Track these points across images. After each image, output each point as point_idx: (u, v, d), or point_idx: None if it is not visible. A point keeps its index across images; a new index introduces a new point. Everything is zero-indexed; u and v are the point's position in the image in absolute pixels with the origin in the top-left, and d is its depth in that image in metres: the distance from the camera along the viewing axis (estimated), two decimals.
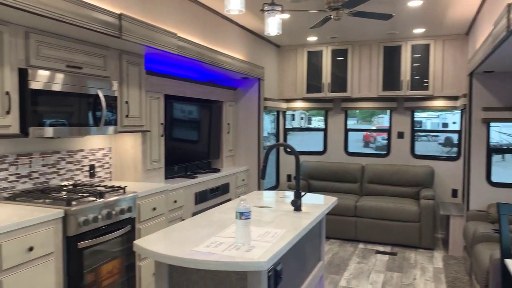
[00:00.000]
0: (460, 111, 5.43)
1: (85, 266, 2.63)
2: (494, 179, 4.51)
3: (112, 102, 3.12)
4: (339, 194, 5.76)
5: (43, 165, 3.07)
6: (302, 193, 2.55)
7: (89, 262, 2.66)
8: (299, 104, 6.13)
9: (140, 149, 3.63)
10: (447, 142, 17.47)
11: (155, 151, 3.81)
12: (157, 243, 1.85)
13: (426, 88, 5.34)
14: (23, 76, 2.47)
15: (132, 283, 3.08)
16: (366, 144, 19.72)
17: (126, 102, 3.33)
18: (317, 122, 24.16)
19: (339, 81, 5.77)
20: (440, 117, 21.28)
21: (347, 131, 6.15)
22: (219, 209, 2.55)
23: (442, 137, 19.25)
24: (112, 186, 3.11)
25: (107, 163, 3.70)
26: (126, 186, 3.11)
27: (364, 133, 20.14)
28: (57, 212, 2.44)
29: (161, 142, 3.90)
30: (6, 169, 2.78)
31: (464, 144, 5.25)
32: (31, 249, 2.26)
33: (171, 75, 4.01)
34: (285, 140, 6.37)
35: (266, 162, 2.56)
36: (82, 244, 2.59)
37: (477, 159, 4.48)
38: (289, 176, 6.32)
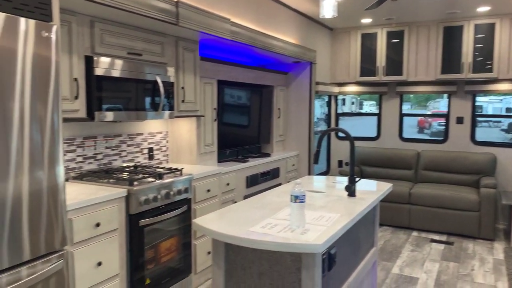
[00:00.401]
0: None
1: (145, 243, 2.78)
2: None
3: (169, 87, 3.23)
4: (392, 181, 5.62)
5: (107, 147, 3.26)
6: (357, 179, 2.53)
7: (149, 239, 2.82)
8: (351, 88, 6.00)
9: (195, 133, 3.75)
10: (511, 128, 16.38)
11: (208, 135, 3.92)
12: (215, 222, 1.93)
13: (490, 70, 5.02)
14: (89, 63, 2.63)
15: (188, 260, 3.23)
16: (421, 130, 18.95)
17: (182, 87, 3.44)
18: (369, 107, 23.43)
19: (395, 64, 5.57)
20: (503, 102, 19.89)
21: (402, 116, 5.95)
22: (272, 193, 2.59)
23: (505, 122, 18.04)
24: (170, 168, 3.25)
25: (164, 146, 3.86)
26: (182, 168, 3.23)
27: (419, 118, 19.38)
28: (121, 191, 2.60)
29: (214, 127, 3.99)
30: (73, 151, 2.99)
31: None
32: (98, 225, 2.43)
33: (224, 61, 4.07)
34: (336, 125, 6.29)
35: (320, 146, 2.55)
36: (143, 222, 2.74)
37: None
38: (340, 162, 6.25)
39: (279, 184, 4.89)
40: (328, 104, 6.21)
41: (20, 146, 1.80)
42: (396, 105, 5.93)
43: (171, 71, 3.25)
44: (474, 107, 5.48)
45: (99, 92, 2.66)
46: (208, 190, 3.47)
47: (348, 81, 5.93)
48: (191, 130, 3.77)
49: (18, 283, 1.79)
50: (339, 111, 6.39)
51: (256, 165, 4.37)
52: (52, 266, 1.96)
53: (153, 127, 3.72)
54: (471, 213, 4.80)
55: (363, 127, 8.93)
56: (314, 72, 5.29)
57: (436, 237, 4.92)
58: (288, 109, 5.42)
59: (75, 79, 2.55)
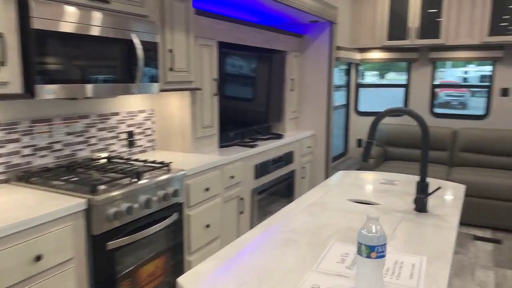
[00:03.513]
0: None
1: (117, 271, 1.97)
2: None
3: (151, 50, 2.33)
4: None
5: (68, 134, 2.39)
6: (435, 188, 1.67)
7: (124, 265, 2.00)
8: (376, 55, 5.07)
9: (188, 111, 2.88)
10: None
11: (207, 115, 3.04)
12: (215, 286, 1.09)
13: None
14: (23, 10, 1.72)
15: None
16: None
17: (170, 50, 2.54)
18: (391, 78, 21.83)
19: (431, 25, 4.61)
20: None
21: (433, 87, 5.05)
22: (299, 206, 1.75)
23: None
24: (154, 162, 2.40)
25: (149, 129, 2.99)
26: (171, 162, 2.38)
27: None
28: (78, 203, 1.75)
29: (214, 103, 3.11)
30: (17, 140, 2.12)
31: None
32: (38, 258, 1.60)
33: (227, 16, 3.14)
34: (356, 98, 5.38)
35: (373, 136, 1.69)
36: (112, 244, 1.91)
37: None
38: (359, 141, 5.39)
39: (293, 172, 4.06)
40: (348, 73, 5.28)
41: None
42: (427, 74, 5.01)
43: (154, 27, 2.35)
44: None
45: (41, 55, 1.76)
46: (207, 189, 2.63)
47: (373, 46, 4.98)
48: (184, 108, 2.89)
49: None
50: (360, 82, 5.47)
51: (266, 150, 3.51)
52: None
53: (133, 105, 2.84)
54: None
55: (386, 100, 7.98)
56: (335, 35, 4.35)
57: (480, 232, 4.13)
58: (303, 80, 4.51)
59: (0, 36, 1.66)
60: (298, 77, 4.46)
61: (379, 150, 4.87)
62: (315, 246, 1.32)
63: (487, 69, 4.64)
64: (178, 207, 2.34)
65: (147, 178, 2.13)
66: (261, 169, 3.45)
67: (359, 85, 5.39)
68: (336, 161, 4.93)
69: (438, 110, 5.17)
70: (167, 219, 2.24)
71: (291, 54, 4.23)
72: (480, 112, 4.96)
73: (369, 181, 2.17)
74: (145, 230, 2.08)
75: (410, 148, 4.96)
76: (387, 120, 5.23)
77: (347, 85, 5.28)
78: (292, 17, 4.00)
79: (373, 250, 0.96)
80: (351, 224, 1.52)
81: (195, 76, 2.84)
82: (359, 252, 0.99)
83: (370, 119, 5.32)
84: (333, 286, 1.06)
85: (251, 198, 3.34)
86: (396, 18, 4.73)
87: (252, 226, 3.37)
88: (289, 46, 4.18)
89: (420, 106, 5.08)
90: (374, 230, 0.96)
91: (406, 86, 5.15)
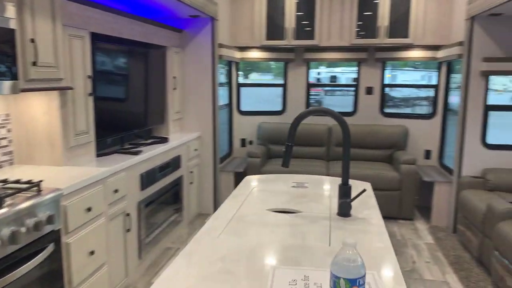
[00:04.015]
0: (438, 63, 4.81)
1: None
2: (490, 140, 3.99)
3: (5, 39, 1.81)
4: (305, 160, 4.94)
5: None
6: (360, 191, 1.60)
7: None
8: (255, 54, 5.05)
9: (58, 115, 2.37)
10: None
11: (81, 119, 2.56)
12: None
13: (406, 35, 4.59)
14: None
15: None
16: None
17: (32, 40, 2.02)
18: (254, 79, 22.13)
19: (306, 26, 4.77)
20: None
21: (309, 86, 5.27)
22: (218, 224, 1.51)
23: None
24: (18, 182, 1.88)
25: (4, 138, 2.38)
26: (41, 181, 1.89)
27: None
28: None
29: (89, 105, 2.64)
30: None
31: (437, 103, 4.70)
32: None
33: (100, 4, 2.69)
34: (238, 97, 5.30)
35: (293, 139, 1.54)
36: None
37: (473, 118, 3.90)
38: (243, 141, 5.34)
39: (181, 178, 3.76)
40: (229, 72, 5.16)
41: None
42: (303, 74, 5.21)
43: (9, 10, 1.82)
44: (383, 76, 5.07)
45: None
46: (89, 209, 2.19)
47: (252, 45, 4.95)
48: (52, 112, 2.37)
49: None
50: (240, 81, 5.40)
51: (152, 156, 3.15)
52: None
53: None
54: (392, 192, 4.40)
55: (260, 100, 8.12)
56: (216, 31, 4.17)
57: None
58: (186, 79, 4.22)
59: None
60: (181, 75, 4.16)
61: (262, 149, 4.87)
62: (255, 276, 1.10)
63: (353, 70, 5.02)
64: (54, 236, 1.87)
65: (9, 205, 1.63)
66: (148, 179, 3.08)
67: (240, 85, 5.33)
68: (222, 162, 4.77)
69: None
70: (41, 254, 1.76)
71: (172, 50, 3.91)
72: (349, 109, 5.33)
73: (280, 186, 2.04)
74: (11, 274, 1.58)
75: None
76: (267, 118, 5.28)
77: (229, 85, 5.16)
78: (171, 10, 3.69)
79: (354, 284, 0.78)
80: (283, 240, 1.34)
81: (66, 73, 2.34)
82: (335, 286, 0.80)
83: (253, 118, 5.30)
84: None
85: (137, 213, 2.95)
86: (273, 18, 4.77)
87: (140, 244, 2.99)
88: (169, 41, 3.86)
89: (297, 104, 5.25)
90: (353, 259, 0.79)
91: (284, 85, 5.27)
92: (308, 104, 5.29)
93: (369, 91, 5.11)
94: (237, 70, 5.27)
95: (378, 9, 4.56)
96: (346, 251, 0.81)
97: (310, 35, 4.77)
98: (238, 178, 4.90)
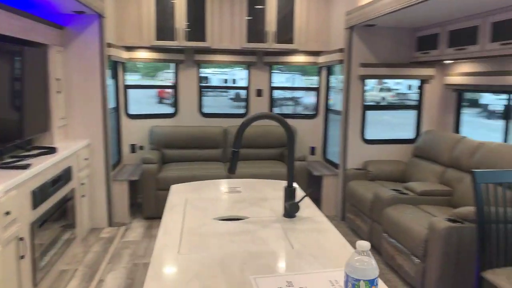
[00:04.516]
0: (319, 67, 5.25)
1: None
2: (367, 136, 4.51)
3: None
4: (201, 163, 4.89)
5: None
6: (306, 193, 1.65)
7: None
8: (144, 54, 4.80)
9: None
10: (237, 97, 17.32)
11: None
12: None
13: (291, 41, 4.89)
14: None
15: None
16: (161, 101, 18.70)
17: None
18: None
19: (198, 28, 4.72)
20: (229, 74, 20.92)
21: (201, 88, 5.23)
22: (171, 241, 1.40)
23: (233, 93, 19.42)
24: None
25: None
26: None
27: (159, 89, 19.03)
28: None
29: None
30: None
31: (319, 104, 5.16)
32: None
33: None
34: (125, 100, 4.97)
35: (239, 145, 1.52)
36: None
37: (354, 117, 4.36)
38: (132, 146, 5.03)
39: (73, 191, 3.38)
40: (115, 73, 4.79)
41: None
42: (194, 76, 5.15)
43: None
44: (271, 79, 5.33)
45: None
46: None
47: (140, 45, 4.70)
48: None
49: None
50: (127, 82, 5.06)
51: (43, 170, 2.76)
52: None
53: None
54: None
55: (147, 101, 7.68)
56: (104, 30, 3.85)
57: None
58: (70, 81, 3.80)
59: None
60: (64, 77, 3.73)
61: (157, 154, 4.67)
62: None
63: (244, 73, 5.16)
64: None
65: None
66: (40, 195, 2.70)
67: (127, 86, 5.00)
68: (112, 171, 4.42)
69: (206, 110, 5.38)
70: None
71: (53, 48, 3.48)
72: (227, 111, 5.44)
73: (212, 192, 1.98)
74: None
75: (184, 149, 4.99)
76: (159, 122, 5.09)
77: (116, 86, 4.81)
78: (52, 3, 3.27)
79: (373, 284, 0.81)
80: (248, 248, 1.32)
81: None
82: None
83: (142, 122, 5.04)
84: None
85: (31, 235, 2.56)
86: (163, 18, 4.60)
87: (35, 270, 2.60)
88: (51, 39, 3.43)
89: (189, 106, 5.17)
90: (368, 261, 0.82)
91: (175, 87, 5.13)
92: (201, 106, 5.24)
93: (259, 93, 5.31)
94: (124, 71, 4.95)
95: (265, 15, 4.76)
96: (361, 253, 0.84)
97: (202, 37, 4.73)
98: (133, 187, 4.61)
